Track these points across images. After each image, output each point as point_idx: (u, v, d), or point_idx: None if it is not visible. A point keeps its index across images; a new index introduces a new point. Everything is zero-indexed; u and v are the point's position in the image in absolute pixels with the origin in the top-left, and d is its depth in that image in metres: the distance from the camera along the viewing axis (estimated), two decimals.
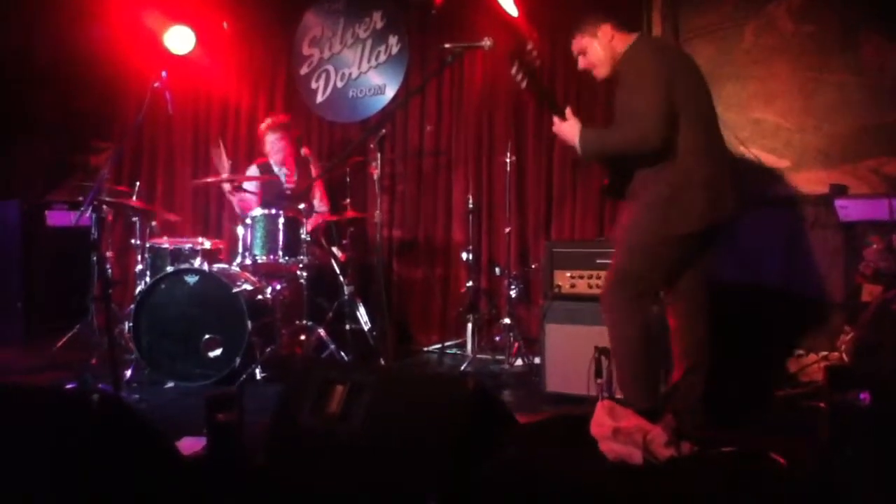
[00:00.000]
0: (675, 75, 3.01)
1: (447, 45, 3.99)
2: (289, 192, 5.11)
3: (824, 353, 4.33)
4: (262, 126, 5.31)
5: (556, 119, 3.26)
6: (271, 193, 5.14)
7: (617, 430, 2.56)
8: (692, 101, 3.05)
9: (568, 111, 3.24)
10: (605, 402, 2.78)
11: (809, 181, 4.70)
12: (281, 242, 4.58)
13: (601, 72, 3.25)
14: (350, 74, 6.08)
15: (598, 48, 3.22)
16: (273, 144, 5.22)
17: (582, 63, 3.30)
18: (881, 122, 4.52)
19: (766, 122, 4.80)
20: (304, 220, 4.62)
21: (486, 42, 3.81)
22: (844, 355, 4.08)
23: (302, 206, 4.71)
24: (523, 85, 3.22)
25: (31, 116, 6.77)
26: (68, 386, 4.01)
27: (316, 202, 5.25)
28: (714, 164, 3.06)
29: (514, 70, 3.18)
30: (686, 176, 2.99)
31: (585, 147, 3.15)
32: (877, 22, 4.51)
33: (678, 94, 2.98)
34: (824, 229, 4.62)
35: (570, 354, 3.85)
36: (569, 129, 3.21)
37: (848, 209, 4.39)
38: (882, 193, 4.40)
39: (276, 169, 5.27)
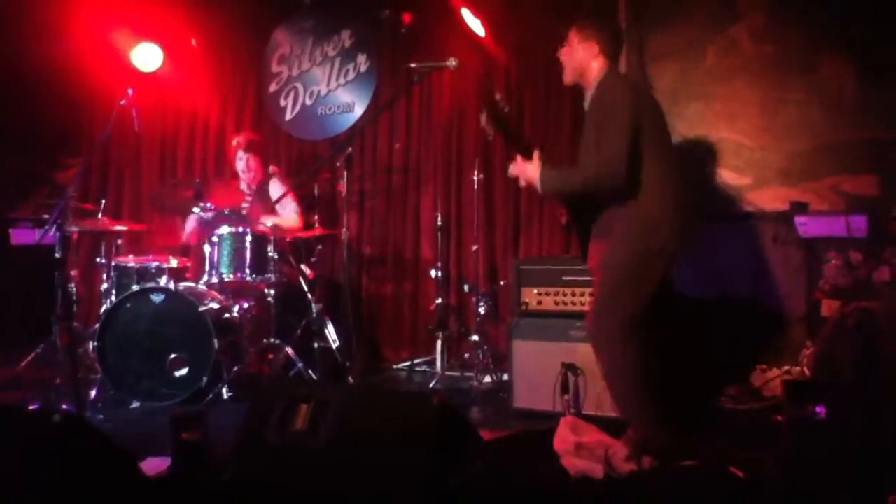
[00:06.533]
0: (643, 115, 3.06)
1: (413, 65, 4.04)
2: (244, 212, 5.04)
3: (787, 367, 4.39)
4: (234, 143, 5.29)
5: (518, 159, 3.27)
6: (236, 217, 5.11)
7: (579, 446, 2.60)
8: (657, 138, 3.11)
9: (536, 153, 3.24)
10: (568, 418, 2.82)
11: (771, 198, 4.78)
12: (248, 260, 4.56)
13: (567, 76, 3.31)
14: (319, 92, 6.10)
15: (577, 54, 3.26)
16: (246, 163, 5.21)
17: (561, 52, 3.33)
18: (839, 140, 4.62)
19: (728, 141, 4.88)
20: (271, 236, 4.61)
21: (452, 62, 3.85)
22: (806, 369, 4.15)
23: (270, 223, 4.71)
24: (490, 134, 3.24)
25: None
26: (31, 406, 3.95)
27: (288, 211, 5.23)
28: (680, 192, 3.11)
29: (483, 120, 3.19)
30: (654, 202, 3.04)
31: (546, 186, 3.17)
32: (835, 43, 4.62)
33: (645, 133, 3.03)
34: (786, 245, 4.71)
35: (538, 371, 3.87)
36: (529, 169, 3.22)
37: (807, 226, 4.48)
38: (840, 210, 4.50)
39: (246, 188, 5.25)
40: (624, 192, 3.03)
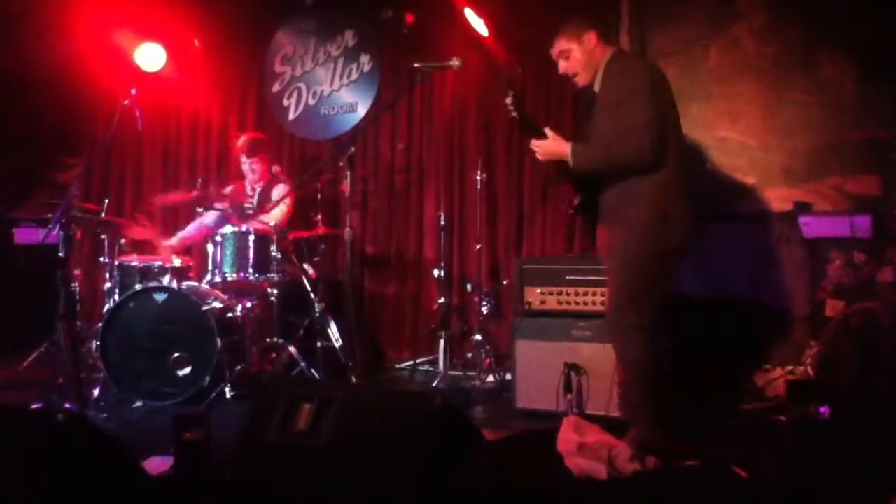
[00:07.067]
0: (660, 93, 3.03)
1: (417, 65, 4.03)
2: (251, 211, 5.04)
3: (790, 367, 4.39)
4: (238, 144, 5.28)
5: (535, 141, 3.22)
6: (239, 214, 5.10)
7: (582, 446, 2.59)
8: (670, 119, 3.07)
9: (548, 130, 3.21)
10: (571, 418, 2.82)
11: (774, 198, 4.78)
12: (251, 260, 4.56)
13: (582, 78, 3.23)
14: (322, 92, 6.10)
15: (581, 53, 3.19)
16: (250, 167, 5.20)
17: (562, 67, 3.26)
18: (842, 140, 4.62)
19: (731, 141, 4.88)
20: (273, 238, 4.61)
21: (455, 61, 3.85)
22: (809, 369, 4.15)
23: (273, 223, 4.71)
24: (512, 113, 3.16)
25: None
26: (34, 405, 3.95)
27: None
28: (689, 180, 3.08)
29: (508, 100, 3.13)
30: (669, 191, 3.00)
31: (577, 161, 3.10)
32: (837, 42, 4.61)
33: (662, 111, 3.00)
34: (789, 245, 4.70)
35: (541, 370, 3.87)
36: (554, 145, 3.17)
37: (811, 226, 4.49)
38: (843, 210, 4.49)
39: (249, 189, 5.26)
40: (634, 173, 2.98)
